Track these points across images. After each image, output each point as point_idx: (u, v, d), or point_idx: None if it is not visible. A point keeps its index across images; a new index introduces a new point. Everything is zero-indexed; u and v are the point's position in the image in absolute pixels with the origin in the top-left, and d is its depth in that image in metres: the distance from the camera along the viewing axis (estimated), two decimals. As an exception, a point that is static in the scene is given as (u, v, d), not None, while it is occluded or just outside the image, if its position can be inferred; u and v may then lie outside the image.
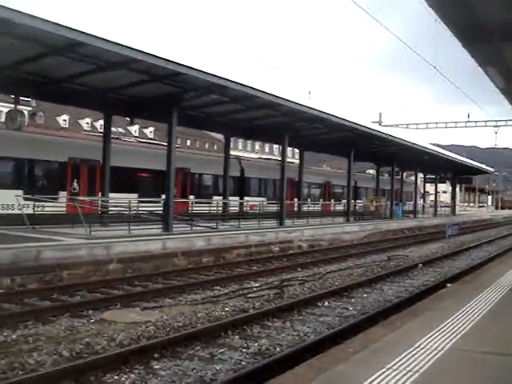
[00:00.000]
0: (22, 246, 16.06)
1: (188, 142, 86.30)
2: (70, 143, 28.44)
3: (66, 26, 15.09)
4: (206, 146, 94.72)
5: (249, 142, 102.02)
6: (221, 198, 32.77)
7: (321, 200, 46.24)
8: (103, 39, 16.25)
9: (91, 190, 27.48)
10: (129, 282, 15.93)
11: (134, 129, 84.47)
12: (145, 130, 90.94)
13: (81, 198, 24.59)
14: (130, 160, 28.56)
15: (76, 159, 26.37)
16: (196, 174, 34.20)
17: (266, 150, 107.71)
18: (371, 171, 63.44)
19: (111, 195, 25.43)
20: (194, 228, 24.57)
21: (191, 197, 33.22)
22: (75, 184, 27.28)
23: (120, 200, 25.07)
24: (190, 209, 29.58)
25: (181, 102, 22.28)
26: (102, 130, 31.18)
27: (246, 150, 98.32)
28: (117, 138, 32.36)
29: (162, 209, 23.69)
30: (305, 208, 40.41)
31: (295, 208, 39.36)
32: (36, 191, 23.81)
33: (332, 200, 46.46)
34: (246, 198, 36.70)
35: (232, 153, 37.09)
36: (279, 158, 44.01)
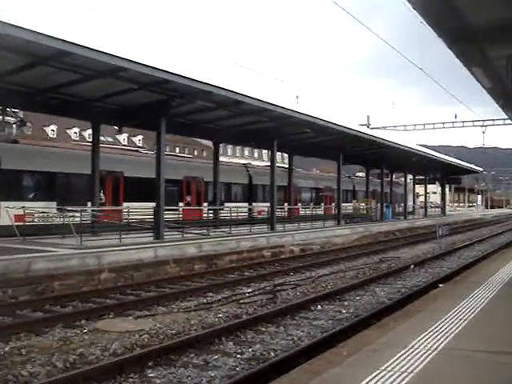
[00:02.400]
0: (13, 257, 15.93)
1: (177, 150, 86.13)
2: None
3: (50, 36, 15.04)
4: (195, 152, 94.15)
5: (238, 147, 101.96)
6: (233, 204, 33.68)
7: (322, 204, 46.78)
8: (89, 48, 16.19)
9: (116, 200, 29.00)
10: (121, 290, 15.86)
11: (123, 137, 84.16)
12: (133, 139, 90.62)
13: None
14: (145, 170, 28.78)
15: (102, 171, 26.66)
16: (209, 182, 34.32)
17: (255, 155, 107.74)
18: (360, 174, 63.56)
19: (132, 204, 26.19)
20: (185, 235, 24.54)
21: (205, 204, 34.13)
22: (101, 194, 28.01)
23: (138, 209, 25.23)
24: (206, 216, 31.17)
25: (169, 110, 22.23)
26: (90, 140, 31.16)
27: (235, 156, 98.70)
28: (136, 151, 37.53)
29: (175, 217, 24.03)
30: (303, 212, 41.03)
31: (300, 212, 40.64)
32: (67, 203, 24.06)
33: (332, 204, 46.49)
34: (253, 204, 37.95)
35: (223, 159, 37.45)
36: (283, 165, 45.44)
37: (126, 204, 27.76)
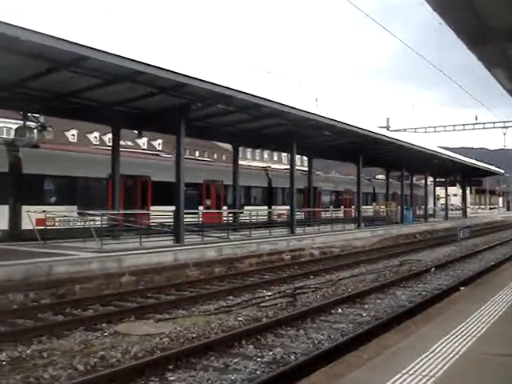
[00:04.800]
0: (33, 261, 16.04)
1: (197, 153, 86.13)
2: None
3: (70, 41, 15.07)
4: (215, 156, 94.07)
5: (257, 151, 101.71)
6: (252, 207, 33.80)
7: (342, 207, 46.51)
8: (107, 53, 16.23)
9: (144, 203, 29.66)
10: (142, 294, 15.90)
11: (143, 141, 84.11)
12: (153, 143, 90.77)
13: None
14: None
15: (129, 175, 27.62)
16: (229, 185, 34.32)
17: (275, 158, 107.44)
18: (380, 176, 63.28)
19: (158, 208, 27.15)
20: (205, 239, 24.57)
21: (224, 207, 34.24)
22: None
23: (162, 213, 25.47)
24: (226, 219, 31.05)
25: (188, 114, 22.25)
26: (110, 144, 31.39)
27: (254, 159, 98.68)
28: (156, 155, 39.08)
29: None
30: (323, 215, 40.93)
31: (320, 215, 40.39)
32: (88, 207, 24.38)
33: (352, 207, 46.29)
34: (273, 207, 38.14)
35: (242, 162, 37.81)
36: (303, 168, 45.65)
37: (154, 208, 28.54)
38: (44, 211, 22.67)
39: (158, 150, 73.28)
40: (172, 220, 23.21)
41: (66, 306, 14.02)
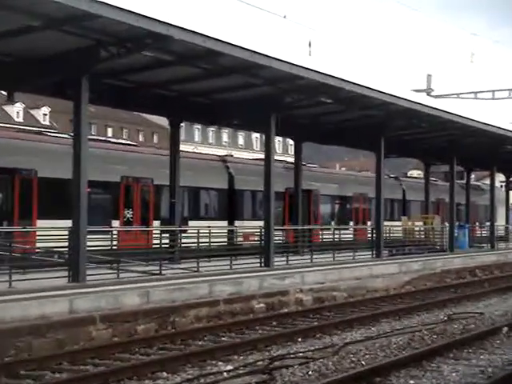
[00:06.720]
0: None
1: (109, 131, 64.71)
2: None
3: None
4: (141, 137, 69.59)
5: (211, 129, 76.23)
6: (202, 223, 26.02)
7: (350, 223, 35.65)
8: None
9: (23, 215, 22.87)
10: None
11: (16, 110, 59.21)
12: (34, 112, 64.33)
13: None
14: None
15: None
16: (163, 186, 27.51)
17: (240, 142, 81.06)
18: (415, 173, 50.52)
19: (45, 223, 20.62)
20: (122, 275, 18.41)
21: (156, 223, 26.14)
22: None
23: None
24: (159, 242, 22.63)
25: (96, 64, 16.41)
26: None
27: (206, 143, 73.64)
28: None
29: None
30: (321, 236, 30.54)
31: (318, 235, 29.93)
32: None
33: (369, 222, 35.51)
34: (237, 223, 29.13)
35: (186, 147, 31.43)
36: (288, 159, 36.72)
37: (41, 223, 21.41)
38: None
39: (43, 126, 55.02)
40: (67, 244, 17.29)
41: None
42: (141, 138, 67.50)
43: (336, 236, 28.60)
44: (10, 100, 19.81)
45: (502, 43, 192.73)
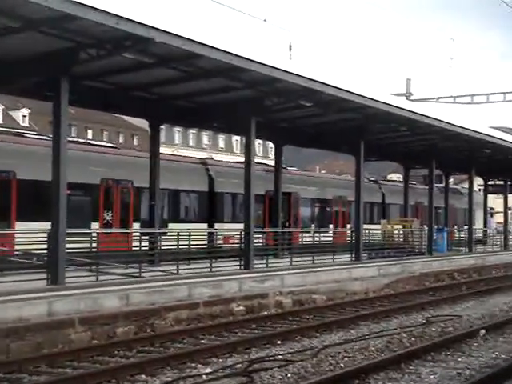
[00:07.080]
0: None
1: (89, 134, 63.91)
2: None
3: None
4: (121, 139, 69.03)
5: (191, 132, 75.48)
6: (182, 225, 25.32)
7: (330, 226, 35.27)
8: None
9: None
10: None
11: None
12: (14, 114, 64.00)
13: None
14: None
15: None
16: (143, 188, 27.00)
17: (220, 145, 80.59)
18: (395, 177, 50.74)
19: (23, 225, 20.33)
20: (101, 278, 18.22)
21: (135, 225, 25.85)
22: None
23: None
24: (138, 244, 22.72)
25: (75, 66, 15.98)
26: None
27: (187, 146, 72.97)
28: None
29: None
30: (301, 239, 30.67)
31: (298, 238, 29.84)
32: None
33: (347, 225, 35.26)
34: (217, 226, 28.86)
35: (166, 150, 31.22)
36: (268, 162, 36.18)
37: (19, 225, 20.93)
38: None
39: (23, 127, 54.04)
40: (45, 246, 16.97)
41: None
42: (121, 140, 67.07)
43: (316, 239, 28.71)
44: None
45: (481, 48, 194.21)
